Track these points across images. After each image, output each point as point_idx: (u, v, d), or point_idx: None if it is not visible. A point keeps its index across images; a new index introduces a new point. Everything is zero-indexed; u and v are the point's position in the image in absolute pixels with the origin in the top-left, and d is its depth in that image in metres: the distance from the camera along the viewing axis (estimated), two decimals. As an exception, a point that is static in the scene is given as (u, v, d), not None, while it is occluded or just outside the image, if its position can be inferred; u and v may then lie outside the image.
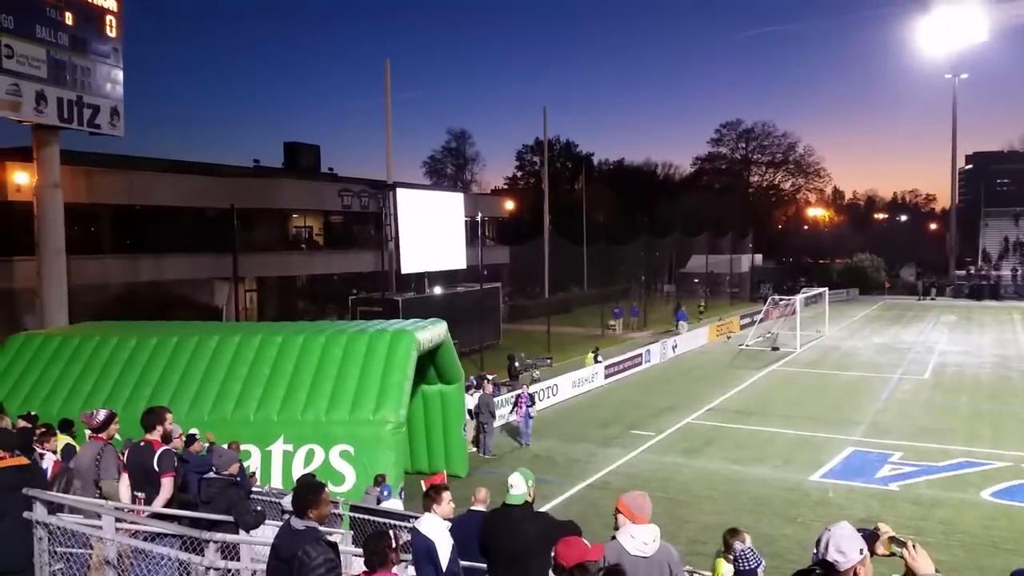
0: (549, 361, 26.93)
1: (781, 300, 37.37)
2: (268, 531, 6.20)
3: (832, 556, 3.14)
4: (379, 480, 10.46)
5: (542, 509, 6.81)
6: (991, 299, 53.67)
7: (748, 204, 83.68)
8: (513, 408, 18.04)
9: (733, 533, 6.50)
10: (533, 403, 17.99)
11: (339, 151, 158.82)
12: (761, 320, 35.62)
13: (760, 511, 12.61)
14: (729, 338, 35.28)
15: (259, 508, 6.82)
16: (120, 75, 21.55)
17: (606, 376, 24.50)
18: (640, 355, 27.35)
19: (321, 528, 4.72)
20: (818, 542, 3.23)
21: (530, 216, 59.39)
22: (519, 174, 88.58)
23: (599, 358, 25.36)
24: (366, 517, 8.82)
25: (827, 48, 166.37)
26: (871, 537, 3.35)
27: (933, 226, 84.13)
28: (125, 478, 6.47)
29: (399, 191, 28.03)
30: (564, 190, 69.98)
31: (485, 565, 5.64)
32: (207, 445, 8.16)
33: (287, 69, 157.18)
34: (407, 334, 12.43)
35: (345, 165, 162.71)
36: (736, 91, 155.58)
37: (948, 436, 17.33)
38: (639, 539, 4.66)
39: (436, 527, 5.54)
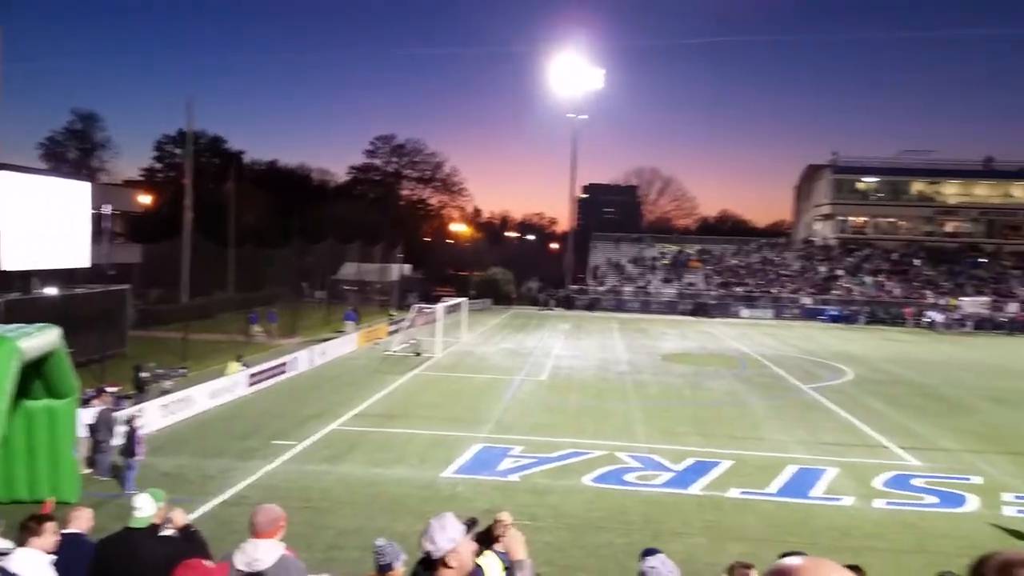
0: (183, 371, 25.06)
1: (425, 308, 39.33)
2: None
3: (426, 546, 3.47)
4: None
5: (169, 531, 6.39)
6: (599, 311, 62.32)
7: (399, 216, 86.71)
8: (126, 449, 14.14)
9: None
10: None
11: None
12: (407, 327, 37.13)
13: (396, 510, 13.15)
14: (377, 344, 36.18)
15: None
16: None
17: (249, 385, 23.55)
18: (286, 362, 26.77)
19: None
20: (422, 533, 3.54)
21: (170, 212, 54.75)
22: (158, 166, 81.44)
23: (246, 364, 24.34)
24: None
25: (473, 76, 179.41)
26: (472, 524, 3.75)
27: (554, 246, 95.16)
28: None
29: (2, 173, 24.04)
30: (210, 188, 65.69)
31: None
32: None
33: None
34: (6, 342, 10.72)
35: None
36: (391, 105, 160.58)
37: (559, 430, 19.70)
38: (249, 554, 4.65)
39: (34, 563, 4.94)
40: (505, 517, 4.66)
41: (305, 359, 28.42)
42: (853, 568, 6.80)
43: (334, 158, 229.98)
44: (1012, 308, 59.71)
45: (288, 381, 25.93)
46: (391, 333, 38.68)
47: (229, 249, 51.75)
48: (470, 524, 3.73)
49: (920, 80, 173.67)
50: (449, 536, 3.46)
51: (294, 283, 50.17)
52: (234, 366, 24.01)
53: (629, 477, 15.69)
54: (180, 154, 72.91)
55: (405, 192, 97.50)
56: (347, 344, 34.12)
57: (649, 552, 7.26)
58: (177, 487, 13.93)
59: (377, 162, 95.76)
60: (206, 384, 21.64)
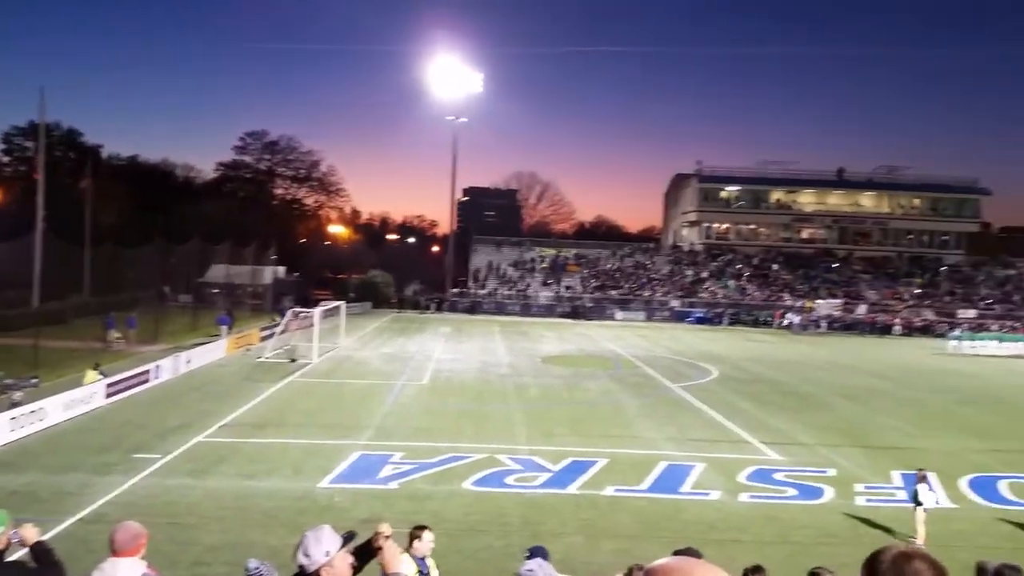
0: (34, 381, 23.25)
1: (301, 313, 38.25)
2: None
3: (299, 560, 3.36)
4: None
5: (16, 556, 5.89)
6: (480, 314, 62.63)
7: (272, 216, 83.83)
8: None
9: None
10: None
11: None
12: (281, 332, 35.94)
13: (269, 524, 12.68)
14: (248, 350, 34.84)
15: None
16: None
17: (107, 395, 22.09)
18: (149, 371, 25.31)
19: None
20: (296, 546, 3.43)
21: (19, 210, 50.59)
22: (6, 160, 75.34)
23: (104, 373, 22.84)
24: None
25: (350, 74, 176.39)
26: (350, 537, 3.66)
27: (435, 248, 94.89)
28: None
29: None
30: (64, 183, 61.22)
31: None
32: None
33: None
34: None
35: None
36: (261, 101, 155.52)
37: (440, 434, 19.58)
38: (107, 574, 4.42)
39: None
40: (385, 529, 4.60)
41: (169, 367, 26.97)
42: (756, 569, 7.12)
43: (201, 154, 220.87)
44: (861, 310, 64.56)
45: (151, 390, 24.54)
46: (264, 339, 37.34)
47: (85, 249, 48.39)
48: (348, 537, 3.64)
49: (779, 93, 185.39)
50: (324, 549, 3.37)
51: (157, 286, 47.41)
52: (91, 375, 22.51)
53: (509, 479, 15.83)
54: (31, 147, 67.66)
55: (279, 191, 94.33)
56: (215, 351, 32.65)
57: (532, 553, 7.35)
58: (27, 506, 12.90)
59: (248, 159, 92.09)
60: (60, 395, 20.16)
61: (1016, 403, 28.48)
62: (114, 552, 4.54)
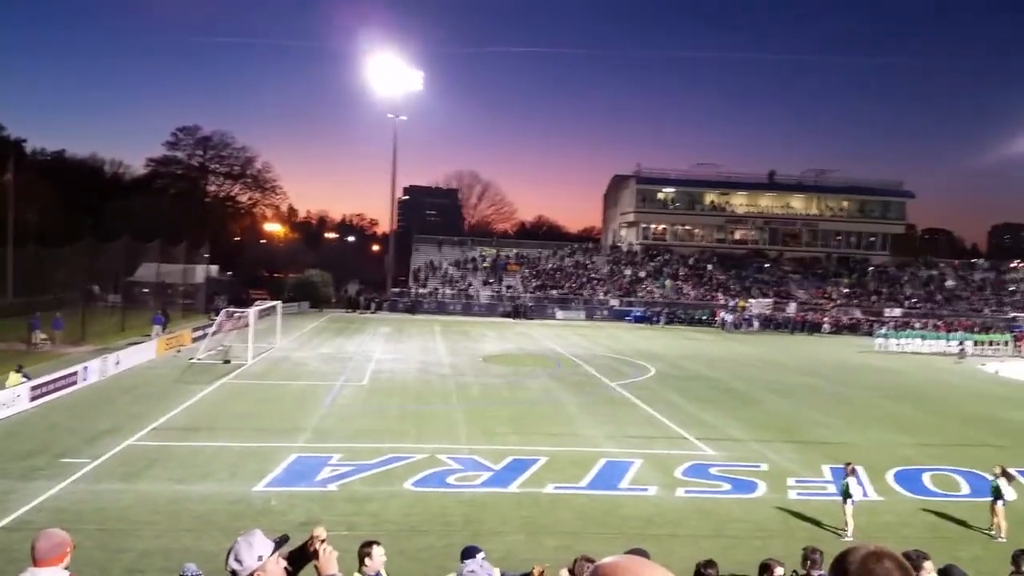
0: (-49, 384, 22.19)
1: (235, 312, 37.39)
2: None
3: (231, 565, 3.30)
4: None
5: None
6: (421, 314, 62.25)
7: (205, 213, 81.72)
8: None
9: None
10: None
11: None
12: (215, 333, 35.06)
13: (203, 529, 12.38)
14: (179, 352, 33.89)
15: None
16: None
17: (32, 398, 21.22)
18: (76, 372, 24.41)
19: None
20: (228, 552, 3.36)
21: (-67, 206, 48.29)
22: (-83, 153, 71.41)
23: (27, 375, 21.93)
24: None
25: (287, 71, 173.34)
26: (283, 541, 3.60)
27: (376, 247, 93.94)
28: None
29: None
30: (-17, 179, 58.59)
31: None
32: None
33: None
34: None
35: None
36: (195, 96, 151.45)
37: (380, 435, 19.42)
38: None
39: None
40: (320, 532, 4.55)
41: (97, 369, 26.06)
42: (708, 564, 7.26)
43: (131, 149, 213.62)
44: (792, 309, 66.46)
45: (78, 393, 23.68)
46: (196, 339, 36.38)
47: (8, 248, 46.37)
48: (280, 541, 3.57)
49: (714, 97, 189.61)
50: (256, 554, 3.31)
51: (84, 286, 45.65)
52: (14, 377, 21.64)
53: (451, 479, 15.80)
54: (-55, 139, 64.57)
55: (212, 188, 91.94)
56: (145, 352, 31.66)
57: (468, 552, 7.36)
58: (-58, 517, 12.33)
59: (179, 155, 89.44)
60: (-22, 399, 19.29)
61: (938, 399, 29.74)
62: (35, 561, 4.38)
